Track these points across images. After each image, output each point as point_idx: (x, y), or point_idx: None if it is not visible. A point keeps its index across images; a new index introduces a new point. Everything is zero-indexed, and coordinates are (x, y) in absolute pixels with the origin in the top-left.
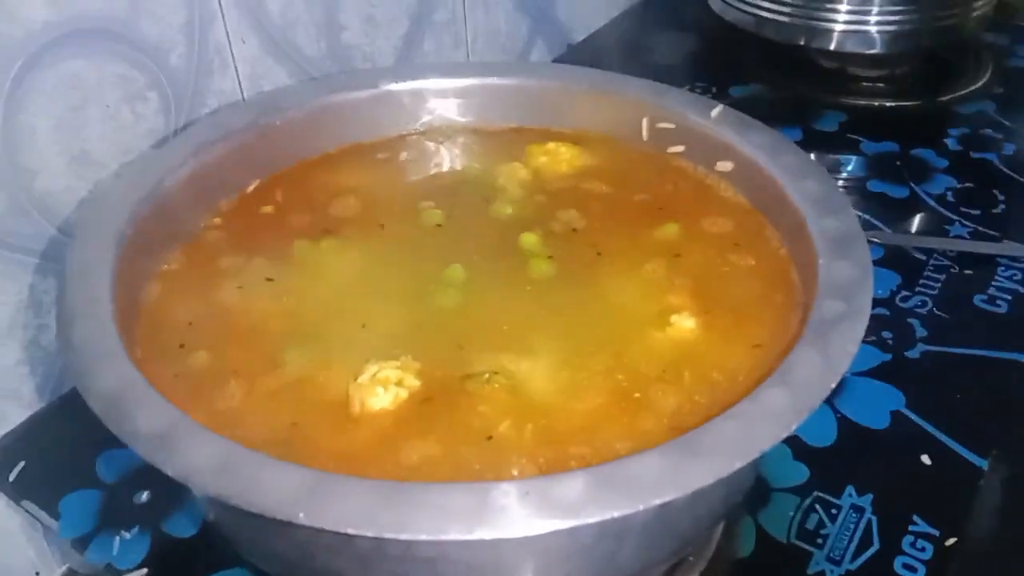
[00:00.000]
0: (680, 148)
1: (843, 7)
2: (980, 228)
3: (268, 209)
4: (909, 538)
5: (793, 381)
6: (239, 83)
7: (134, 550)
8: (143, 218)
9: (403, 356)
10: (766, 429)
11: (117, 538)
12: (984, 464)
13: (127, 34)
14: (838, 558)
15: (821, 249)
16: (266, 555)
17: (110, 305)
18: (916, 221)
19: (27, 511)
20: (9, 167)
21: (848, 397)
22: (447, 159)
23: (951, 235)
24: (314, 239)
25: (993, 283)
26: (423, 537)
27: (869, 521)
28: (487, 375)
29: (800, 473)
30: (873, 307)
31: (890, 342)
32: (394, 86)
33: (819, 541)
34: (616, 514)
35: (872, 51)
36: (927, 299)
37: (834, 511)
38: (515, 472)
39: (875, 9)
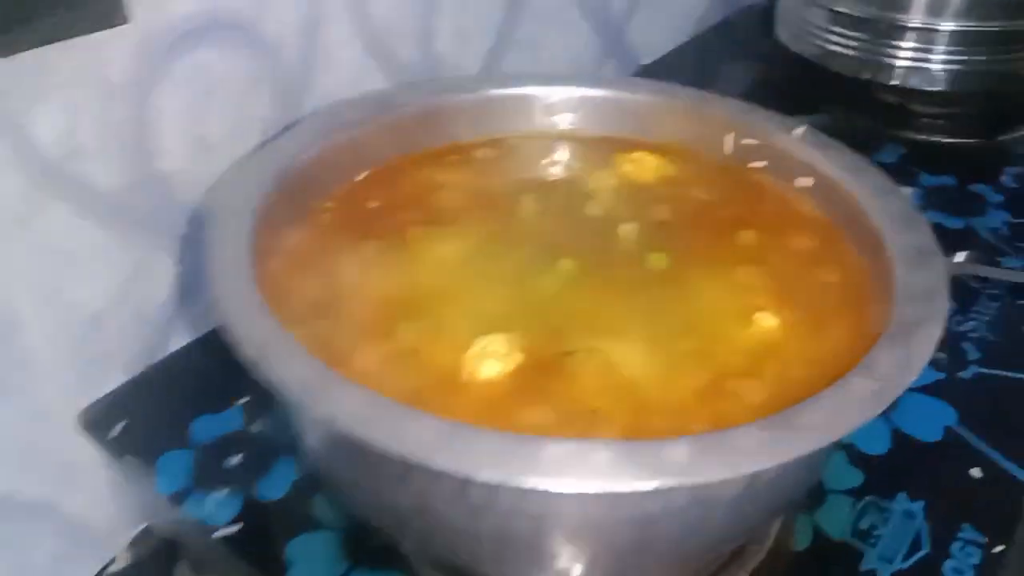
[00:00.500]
0: (762, 163)
1: (908, 44)
2: None
3: (377, 196)
4: (958, 543)
5: (877, 372)
6: (340, 82)
7: (226, 508)
8: (272, 198)
9: (509, 332)
10: (854, 410)
11: (211, 496)
12: None
13: (252, 29)
14: (890, 557)
15: (898, 261)
16: (375, 506)
17: (251, 270)
18: (971, 252)
19: (127, 466)
20: (135, 146)
21: (903, 411)
22: (541, 162)
23: (1003, 265)
24: (420, 225)
25: None
26: (543, 487)
27: (920, 526)
28: (584, 352)
29: (855, 477)
30: None
31: (944, 362)
32: (497, 91)
33: (872, 541)
34: (719, 477)
35: (934, 88)
36: (980, 324)
37: (887, 515)
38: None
39: (940, 48)
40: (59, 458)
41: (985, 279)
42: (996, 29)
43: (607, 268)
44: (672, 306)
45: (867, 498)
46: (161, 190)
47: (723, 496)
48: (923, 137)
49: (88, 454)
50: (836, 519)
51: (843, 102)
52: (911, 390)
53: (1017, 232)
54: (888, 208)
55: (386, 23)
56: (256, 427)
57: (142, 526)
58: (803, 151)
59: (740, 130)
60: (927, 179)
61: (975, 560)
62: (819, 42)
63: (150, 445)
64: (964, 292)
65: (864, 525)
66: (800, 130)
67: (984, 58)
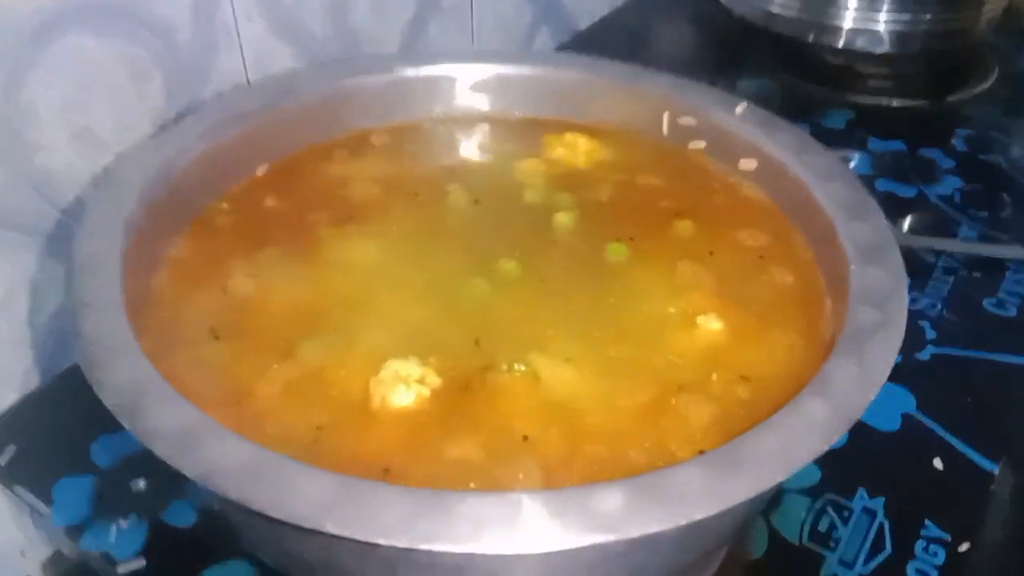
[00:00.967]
0: (701, 144)
1: (852, 5)
2: (988, 231)
3: (279, 194)
4: (921, 543)
5: (831, 392)
6: (244, 63)
7: (131, 539)
8: (153, 202)
9: (424, 353)
10: (807, 442)
11: (114, 526)
12: (995, 468)
13: (134, 11)
14: (850, 561)
15: (852, 255)
16: (281, 555)
17: (120, 295)
18: (924, 222)
19: (19, 496)
20: (11, 143)
21: None
22: (462, 149)
23: (959, 236)
24: (329, 226)
25: (1002, 286)
26: (456, 550)
27: (881, 525)
28: (508, 368)
29: (812, 475)
30: None
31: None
32: (410, 72)
33: (831, 544)
34: (656, 529)
35: (880, 50)
36: (936, 301)
37: (846, 514)
38: (543, 475)
39: (884, 8)
40: None
41: (940, 252)
42: None
43: (536, 269)
44: (608, 310)
45: (825, 496)
46: (44, 190)
47: (666, 536)
48: (870, 100)
49: None
50: (793, 521)
51: (787, 66)
52: None
53: (970, 199)
54: (839, 194)
55: None
56: None
57: (51, 551)
58: (745, 129)
59: (677, 108)
60: (876, 144)
61: (939, 560)
62: (761, 3)
63: (45, 472)
64: (918, 267)
65: (823, 527)
66: (741, 107)
67: (929, 17)
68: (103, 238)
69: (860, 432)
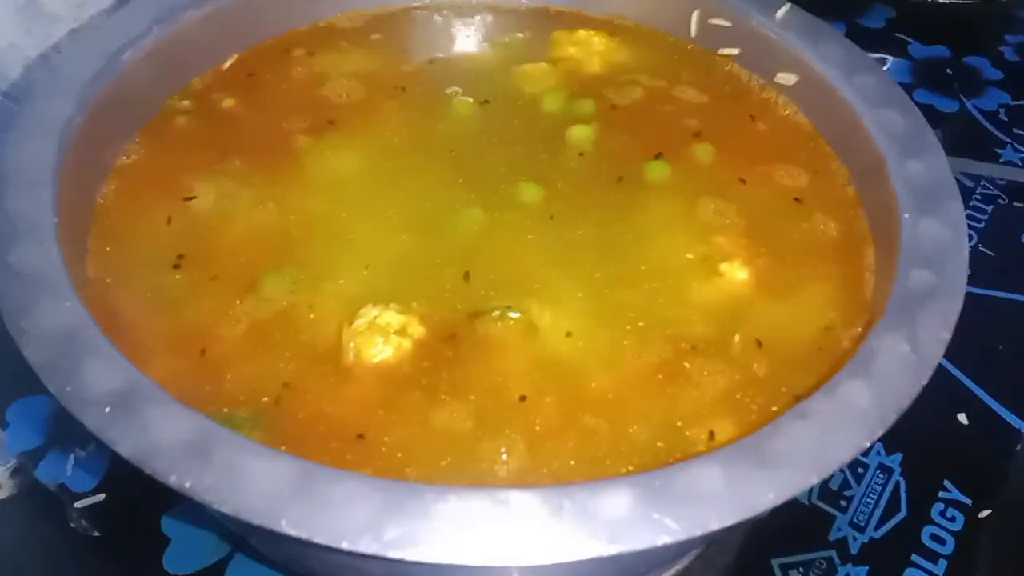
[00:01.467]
0: (735, 51)
1: None
2: None
3: (248, 91)
4: (939, 506)
5: (876, 373)
6: None
7: (90, 470)
8: (97, 100)
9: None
10: (846, 436)
11: (71, 456)
12: (1023, 427)
13: None
14: (862, 523)
15: (904, 201)
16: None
17: (53, 217)
18: (963, 141)
19: None
20: None
21: None
22: (458, 41)
23: (1002, 160)
24: (304, 133)
25: None
26: (432, 560)
27: (897, 483)
28: (501, 315)
29: None
30: None
31: None
32: None
33: (843, 503)
34: (668, 540)
35: None
36: (972, 234)
37: (860, 470)
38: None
39: None
40: None
41: (979, 177)
42: None
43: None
44: (617, 249)
45: None
46: None
47: None
48: None
49: None
50: None
51: None
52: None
53: (1016, 117)
54: (892, 124)
55: None
56: None
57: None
58: (786, 38)
59: (708, 6)
60: (917, 49)
61: (956, 527)
62: None
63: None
64: None
65: (835, 484)
66: (784, 9)
67: None
68: (34, 144)
69: None
